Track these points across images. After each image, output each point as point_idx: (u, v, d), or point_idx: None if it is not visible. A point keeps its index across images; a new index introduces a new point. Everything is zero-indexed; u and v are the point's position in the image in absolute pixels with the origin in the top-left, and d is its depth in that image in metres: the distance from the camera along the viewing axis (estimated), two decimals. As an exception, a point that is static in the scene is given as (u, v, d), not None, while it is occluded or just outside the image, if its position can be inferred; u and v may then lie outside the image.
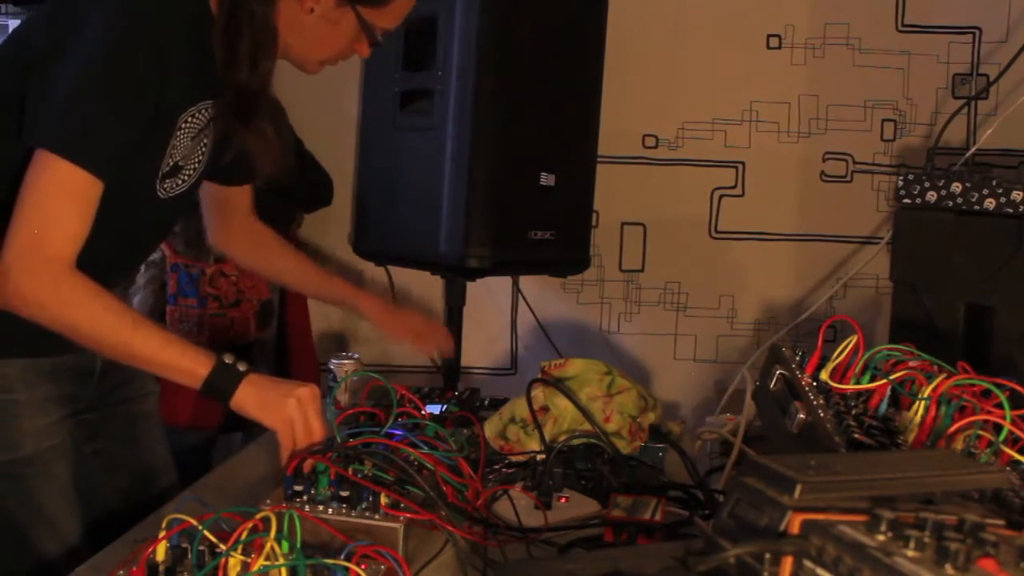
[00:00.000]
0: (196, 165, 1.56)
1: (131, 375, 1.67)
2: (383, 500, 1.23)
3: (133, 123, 1.38)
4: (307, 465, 1.30)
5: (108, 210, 1.38)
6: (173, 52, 1.38)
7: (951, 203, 1.95)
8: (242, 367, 1.36)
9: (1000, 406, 1.23)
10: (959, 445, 1.21)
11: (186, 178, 1.55)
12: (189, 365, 1.35)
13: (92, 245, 1.37)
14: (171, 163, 1.49)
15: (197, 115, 1.48)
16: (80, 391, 1.56)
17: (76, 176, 1.33)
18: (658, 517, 1.36)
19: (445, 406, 1.91)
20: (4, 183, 1.36)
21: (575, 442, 1.64)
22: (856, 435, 1.20)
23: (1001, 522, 0.88)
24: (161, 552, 1.04)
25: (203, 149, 1.55)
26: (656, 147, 2.81)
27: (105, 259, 1.42)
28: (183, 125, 1.47)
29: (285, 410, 1.35)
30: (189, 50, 1.41)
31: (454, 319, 2.56)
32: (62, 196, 1.33)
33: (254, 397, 1.36)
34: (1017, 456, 1.20)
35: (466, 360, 2.63)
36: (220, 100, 1.48)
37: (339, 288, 1.92)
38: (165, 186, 1.51)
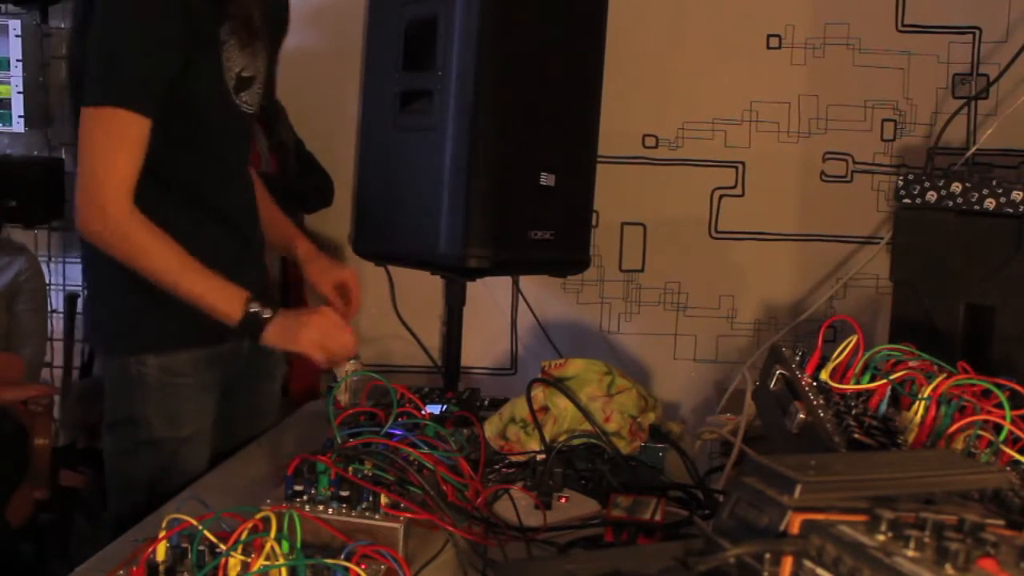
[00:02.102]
0: (260, 78, 1.75)
1: (268, 357, 1.87)
2: (383, 500, 1.23)
3: (164, 51, 1.55)
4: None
5: (216, 135, 1.64)
6: None
7: (951, 203, 1.95)
8: (266, 314, 1.60)
9: (1000, 406, 1.23)
10: (959, 445, 1.21)
11: (258, 89, 1.75)
12: (226, 309, 1.58)
13: (216, 175, 1.65)
14: (234, 75, 1.67)
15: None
16: (231, 372, 1.78)
17: (116, 117, 1.52)
18: (658, 517, 1.36)
19: (445, 406, 1.91)
20: None
21: (575, 442, 1.64)
22: (856, 435, 1.20)
23: (1001, 522, 0.88)
24: (161, 552, 1.04)
25: (261, 61, 1.73)
26: (656, 147, 2.81)
27: (231, 181, 1.70)
28: (225, 37, 1.63)
29: (304, 337, 1.61)
30: None
31: (454, 319, 2.56)
32: (109, 140, 1.52)
33: (279, 336, 1.61)
34: (1017, 456, 1.20)
35: (466, 360, 2.63)
36: None
37: (285, 228, 2.02)
38: (243, 98, 1.71)
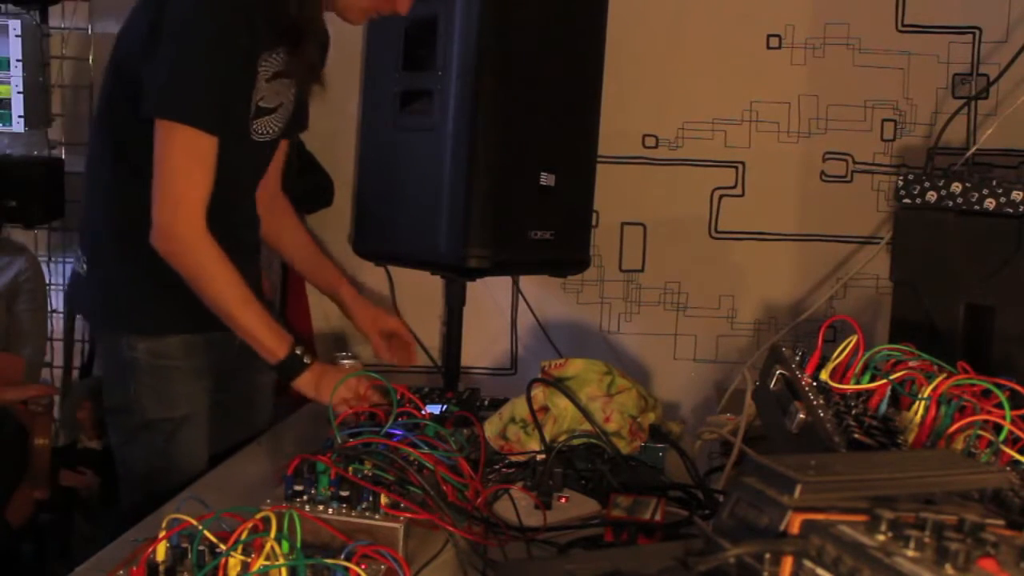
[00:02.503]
0: (283, 111, 1.78)
1: None
2: (383, 500, 1.23)
3: (233, 75, 1.62)
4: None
5: (224, 153, 1.62)
6: (255, 2, 1.61)
7: (951, 203, 1.95)
8: (308, 360, 1.67)
9: (1000, 406, 1.23)
10: (959, 445, 1.21)
11: (278, 121, 1.77)
12: (272, 347, 1.65)
13: (217, 191, 1.62)
14: (255, 105, 1.71)
15: (271, 58, 1.69)
16: (222, 359, 1.82)
17: (196, 138, 1.58)
18: (658, 517, 1.35)
19: (445, 406, 1.91)
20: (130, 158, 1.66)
21: (575, 442, 1.63)
22: (856, 435, 1.20)
23: (1001, 522, 0.88)
24: (161, 552, 1.04)
25: (288, 94, 1.77)
26: (656, 147, 2.81)
27: (227, 201, 1.69)
28: (260, 69, 1.68)
29: (335, 392, 1.60)
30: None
31: (454, 319, 2.56)
32: (189, 160, 1.59)
33: (311, 384, 1.66)
34: (1017, 456, 1.20)
35: (466, 360, 2.63)
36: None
37: (330, 273, 2.07)
38: (256, 127, 1.74)
